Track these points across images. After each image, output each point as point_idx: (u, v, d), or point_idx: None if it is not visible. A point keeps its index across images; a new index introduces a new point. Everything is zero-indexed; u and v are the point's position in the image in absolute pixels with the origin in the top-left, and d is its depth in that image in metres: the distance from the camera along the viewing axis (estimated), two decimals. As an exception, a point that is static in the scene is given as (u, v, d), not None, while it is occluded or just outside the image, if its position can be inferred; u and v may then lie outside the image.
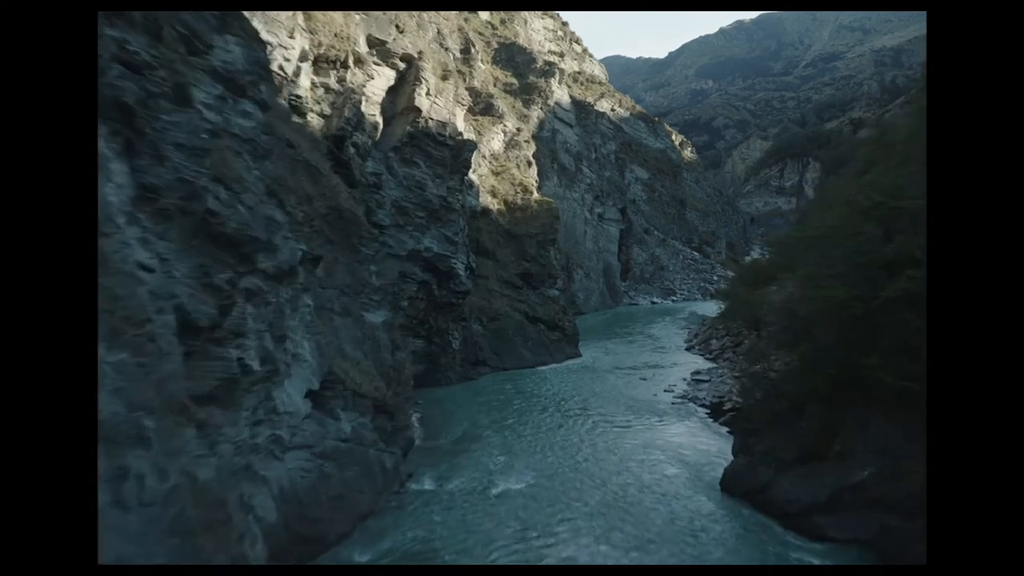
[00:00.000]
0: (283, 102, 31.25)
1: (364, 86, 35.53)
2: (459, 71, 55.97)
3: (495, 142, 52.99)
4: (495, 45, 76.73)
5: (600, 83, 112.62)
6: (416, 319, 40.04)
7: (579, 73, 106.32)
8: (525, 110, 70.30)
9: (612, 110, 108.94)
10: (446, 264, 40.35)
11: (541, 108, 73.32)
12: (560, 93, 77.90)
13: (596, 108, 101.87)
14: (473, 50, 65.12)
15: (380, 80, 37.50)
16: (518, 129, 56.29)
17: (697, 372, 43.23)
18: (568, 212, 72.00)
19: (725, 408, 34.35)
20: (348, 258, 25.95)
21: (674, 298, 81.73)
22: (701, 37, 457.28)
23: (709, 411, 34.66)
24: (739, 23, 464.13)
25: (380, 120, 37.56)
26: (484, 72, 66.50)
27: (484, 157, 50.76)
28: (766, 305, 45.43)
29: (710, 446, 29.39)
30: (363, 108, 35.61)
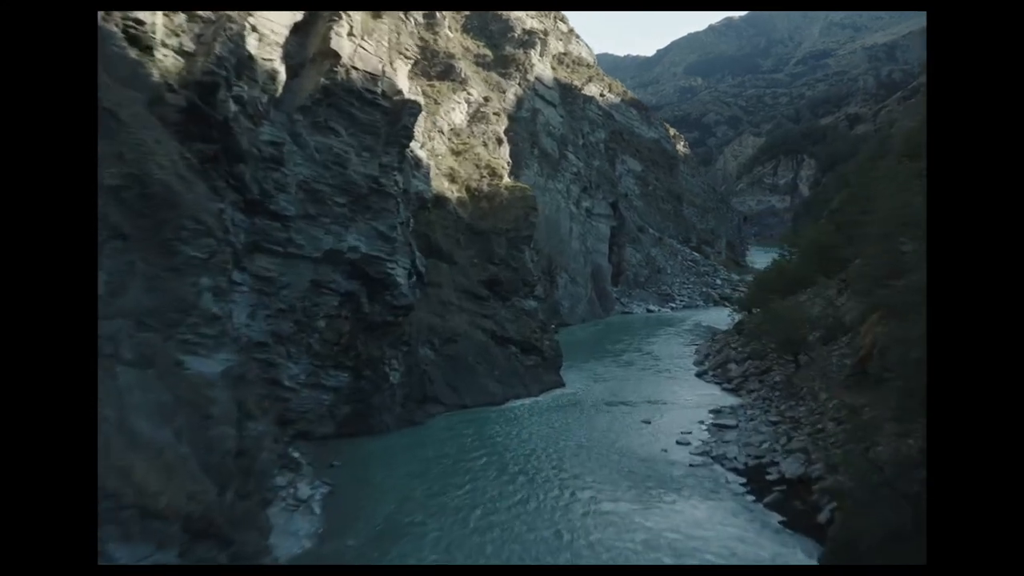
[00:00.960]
0: (115, 28, 20.80)
1: (251, 15, 24.67)
2: (421, 38, 45.26)
3: (456, 113, 42.27)
4: (465, 13, 65.86)
5: (588, 66, 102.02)
6: (338, 345, 29.21)
7: (564, 54, 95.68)
8: (500, 83, 59.51)
9: (601, 95, 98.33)
10: (379, 269, 29.55)
11: (519, 84, 62.57)
12: (542, 67, 67.16)
13: (584, 92, 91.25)
14: (439, 15, 54.42)
15: (282, 15, 26.67)
16: (486, 99, 45.64)
17: (717, 411, 32.71)
18: (550, 206, 61.32)
19: (770, 478, 23.78)
20: (156, 264, 15.10)
21: (673, 305, 71.25)
22: (690, 34, 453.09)
23: (745, 481, 24.11)
24: (728, 20, 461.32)
25: (282, 68, 26.72)
26: (452, 41, 55.74)
27: (441, 132, 40.10)
28: (808, 323, 34.73)
29: (759, 549, 19.10)
30: (251, 47, 24.74)
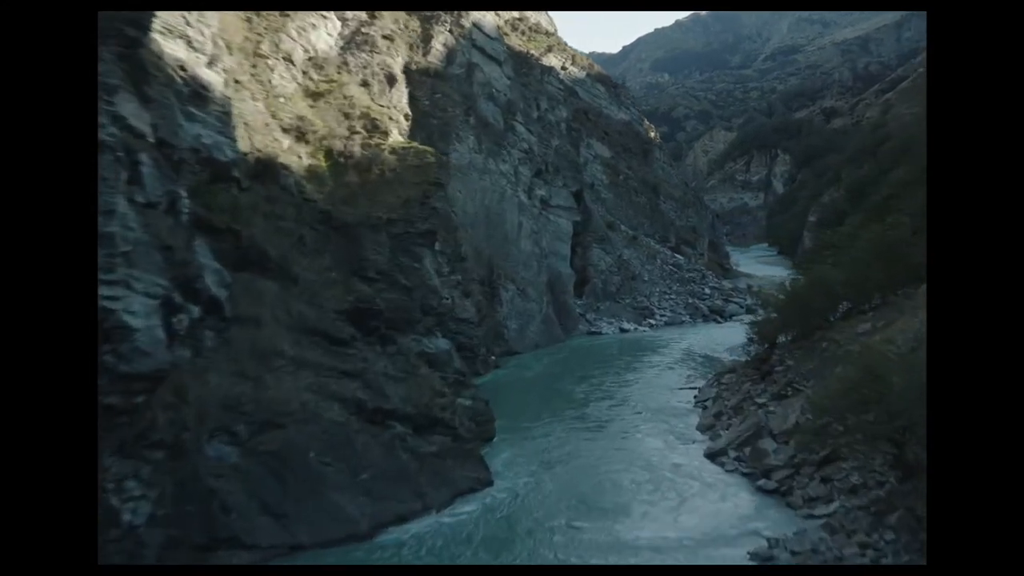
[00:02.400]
0: None
1: None
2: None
3: (319, 34, 26.11)
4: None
5: (547, 34, 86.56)
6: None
7: (519, 20, 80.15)
8: (420, 29, 43.50)
9: (563, 68, 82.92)
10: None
11: (450, 30, 46.57)
12: (481, 15, 51.05)
13: (542, 63, 75.73)
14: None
15: None
16: (372, 18, 29.68)
17: (767, 557, 17.36)
18: (491, 193, 45.51)
19: None
20: None
21: (653, 321, 55.87)
22: (656, 30, 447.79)
23: None
24: (695, 15, 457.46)
25: None
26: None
27: (288, 60, 23.95)
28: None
29: None
30: None
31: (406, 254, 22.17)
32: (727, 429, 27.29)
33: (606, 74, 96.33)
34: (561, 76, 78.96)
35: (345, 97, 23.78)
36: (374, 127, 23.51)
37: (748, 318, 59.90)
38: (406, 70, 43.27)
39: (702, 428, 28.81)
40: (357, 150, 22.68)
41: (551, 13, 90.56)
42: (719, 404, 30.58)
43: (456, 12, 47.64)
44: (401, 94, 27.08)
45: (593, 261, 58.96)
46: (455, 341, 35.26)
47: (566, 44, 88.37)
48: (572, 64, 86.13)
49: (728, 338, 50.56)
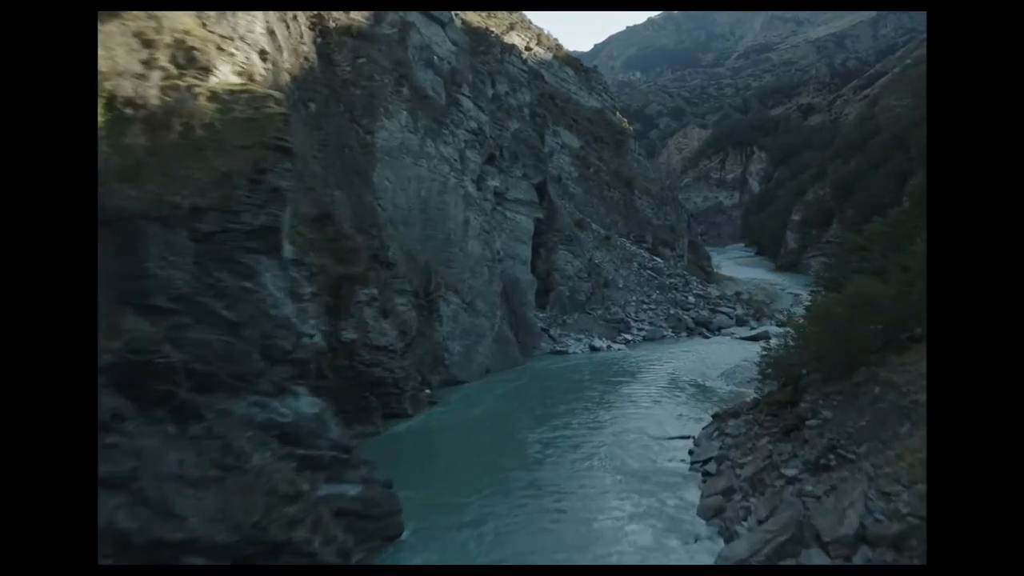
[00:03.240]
0: None
1: None
2: None
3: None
4: None
5: (511, 11, 77.57)
6: None
7: (479, -7, 71.20)
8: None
9: (527, 48, 74.09)
10: None
11: (378, -21, 37.40)
12: (421, -36, 41.87)
13: (503, 41, 66.86)
14: None
15: None
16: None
17: None
18: (430, 182, 36.45)
19: None
20: None
21: (629, 336, 47.23)
22: (628, 28, 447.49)
23: None
24: (668, 13, 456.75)
25: None
26: None
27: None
28: None
29: None
30: None
31: (227, 266, 13.14)
32: (744, 520, 18.49)
33: (575, 57, 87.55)
34: (525, 56, 70.12)
35: (151, 16, 14.73)
36: (189, 61, 14.47)
37: (740, 332, 51.83)
38: (320, 28, 34.09)
39: (706, 512, 19.98)
40: (153, 95, 13.66)
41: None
42: (727, 472, 21.76)
43: (388, -40, 38.45)
44: (253, 20, 17.94)
45: (559, 265, 50.15)
46: (368, 378, 26.23)
47: (531, 22, 79.50)
48: (537, 44, 77.36)
49: (720, 358, 42.09)
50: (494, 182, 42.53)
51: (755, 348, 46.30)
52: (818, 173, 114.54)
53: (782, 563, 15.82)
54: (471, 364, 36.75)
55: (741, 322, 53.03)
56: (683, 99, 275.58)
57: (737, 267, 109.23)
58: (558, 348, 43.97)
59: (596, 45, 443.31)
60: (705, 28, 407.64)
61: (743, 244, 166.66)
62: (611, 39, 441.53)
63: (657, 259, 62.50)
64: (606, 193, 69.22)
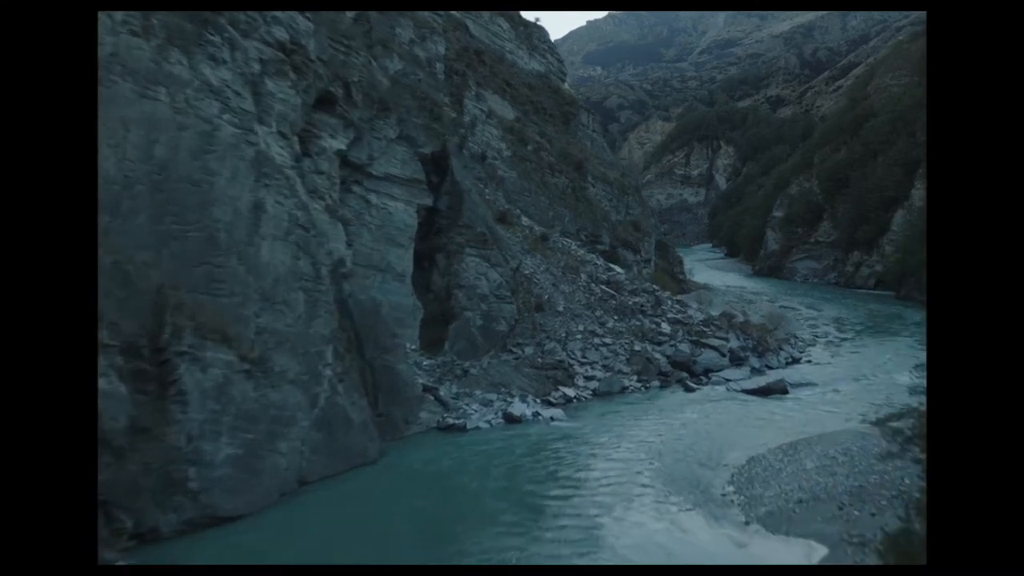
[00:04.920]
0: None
1: None
2: None
3: None
4: None
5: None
6: None
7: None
8: None
9: (445, -15, 55.74)
10: None
11: None
12: None
13: (409, -30, 48.47)
14: None
15: None
16: None
17: None
18: (178, 134, 18.17)
19: None
20: None
21: (571, 393, 29.72)
22: (590, 22, 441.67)
23: None
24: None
25: None
26: None
27: None
28: None
29: None
30: None
31: None
32: None
33: (515, 11, 69.72)
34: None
35: None
36: None
37: (737, 376, 34.40)
38: None
39: None
40: None
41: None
42: None
43: None
44: None
45: (467, 279, 32.15)
46: None
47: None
48: (462, -16, 59.23)
49: (722, 438, 24.74)
50: (336, 142, 24.48)
51: (769, 410, 29.09)
52: (801, 163, 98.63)
53: None
54: (255, 481, 18.55)
55: (737, 359, 35.95)
56: (645, 92, 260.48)
57: (709, 271, 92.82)
58: (451, 420, 26.01)
59: (556, 40, 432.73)
60: (667, 23, 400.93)
61: (711, 244, 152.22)
62: (571, 34, 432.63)
63: (615, 268, 44.63)
64: (549, 178, 51.60)
